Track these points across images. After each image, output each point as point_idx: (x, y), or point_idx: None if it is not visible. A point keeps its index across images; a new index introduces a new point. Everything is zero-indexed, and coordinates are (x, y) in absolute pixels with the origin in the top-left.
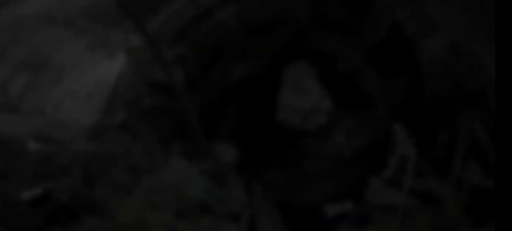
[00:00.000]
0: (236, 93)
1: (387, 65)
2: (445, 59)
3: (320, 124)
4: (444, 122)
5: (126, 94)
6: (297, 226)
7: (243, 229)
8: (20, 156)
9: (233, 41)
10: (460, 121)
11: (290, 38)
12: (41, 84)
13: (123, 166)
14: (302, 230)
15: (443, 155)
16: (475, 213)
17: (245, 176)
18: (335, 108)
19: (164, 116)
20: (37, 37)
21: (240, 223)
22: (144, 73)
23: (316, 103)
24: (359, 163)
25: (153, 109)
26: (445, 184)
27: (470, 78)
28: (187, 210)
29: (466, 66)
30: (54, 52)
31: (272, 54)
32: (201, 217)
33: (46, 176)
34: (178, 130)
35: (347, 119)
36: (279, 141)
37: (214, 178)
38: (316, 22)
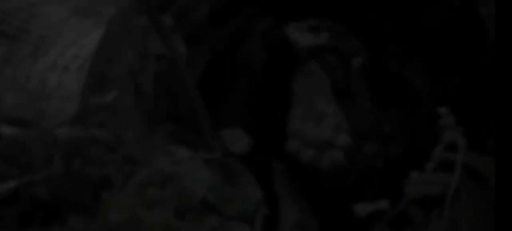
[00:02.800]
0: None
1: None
2: None
3: (337, 162)
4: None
5: (116, 69)
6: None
7: None
8: None
9: None
10: None
11: None
12: (20, 56)
13: (113, 156)
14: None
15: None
16: None
17: (261, 161)
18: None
19: (162, 95)
20: (9, 3)
21: (254, 225)
22: (138, 43)
23: (331, 135)
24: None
25: (149, 88)
26: None
27: None
28: (189, 209)
29: None
30: (31, 20)
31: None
32: (206, 217)
33: (21, 167)
34: (179, 113)
35: (386, 123)
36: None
37: (222, 170)
38: None
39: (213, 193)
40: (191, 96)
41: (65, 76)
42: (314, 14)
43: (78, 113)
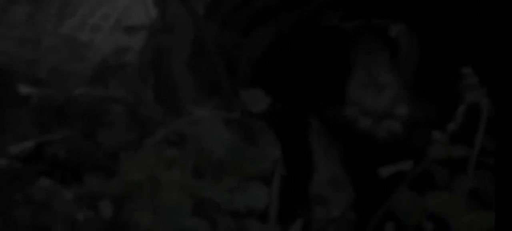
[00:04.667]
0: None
1: None
2: None
3: (394, 133)
4: None
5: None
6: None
7: (275, 191)
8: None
9: None
10: None
11: None
12: (45, 15)
13: (132, 116)
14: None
15: None
16: None
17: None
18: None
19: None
20: None
21: (272, 184)
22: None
23: (391, 105)
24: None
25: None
26: None
27: None
28: (208, 169)
29: None
30: None
31: None
32: (225, 177)
33: (40, 126)
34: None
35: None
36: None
37: (241, 130)
38: None
39: (232, 152)
40: (211, 59)
41: (97, 35)
42: (383, 15)
43: (97, 73)
